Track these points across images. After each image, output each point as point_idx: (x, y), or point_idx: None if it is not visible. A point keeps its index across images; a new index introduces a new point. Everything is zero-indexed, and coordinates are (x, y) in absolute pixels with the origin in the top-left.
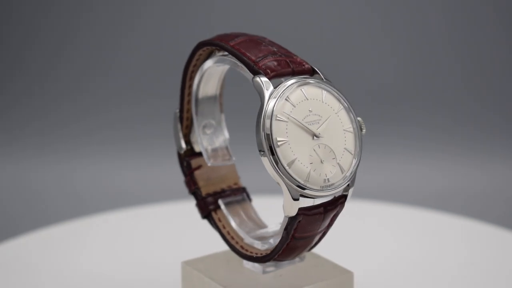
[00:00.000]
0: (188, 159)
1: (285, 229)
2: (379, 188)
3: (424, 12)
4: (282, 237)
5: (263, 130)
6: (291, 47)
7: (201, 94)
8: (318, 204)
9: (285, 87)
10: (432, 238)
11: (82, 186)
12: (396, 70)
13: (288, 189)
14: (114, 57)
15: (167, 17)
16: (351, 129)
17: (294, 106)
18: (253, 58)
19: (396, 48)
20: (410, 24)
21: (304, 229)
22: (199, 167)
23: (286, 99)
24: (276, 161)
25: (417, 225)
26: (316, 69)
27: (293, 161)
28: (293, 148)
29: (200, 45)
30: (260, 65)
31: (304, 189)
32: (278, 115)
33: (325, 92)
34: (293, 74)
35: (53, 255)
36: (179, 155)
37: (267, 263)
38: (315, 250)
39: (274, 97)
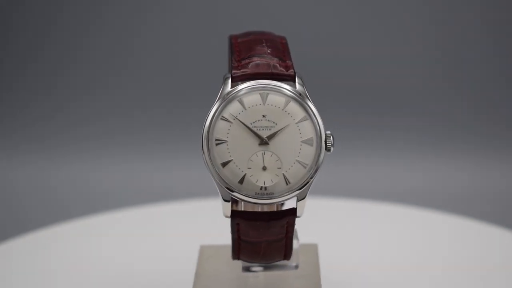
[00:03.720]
0: None
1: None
2: (378, 188)
3: (423, 11)
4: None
5: (204, 127)
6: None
7: None
8: (260, 212)
9: (240, 89)
10: (431, 238)
11: (89, 185)
12: (397, 69)
13: (219, 190)
14: (123, 60)
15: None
16: (312, 142)
17: (245, 109)
18: (240, 57)
19: (396, 48)
20: (408, 23)
21: (247, 234)
22: None
23: (238, 101)
24: (211, 160)
25: (416, 225)
26: (297, 77)
27: (227, 162)
28: (231, 150)
29: (229, 38)
30: (238, 64)
31: (232, 191)
32: (223, 115)
33: (290, 100)
34: (271, 77)
35: (59, 252)
36: None
37: (254, 263)
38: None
39: (227, 97)
